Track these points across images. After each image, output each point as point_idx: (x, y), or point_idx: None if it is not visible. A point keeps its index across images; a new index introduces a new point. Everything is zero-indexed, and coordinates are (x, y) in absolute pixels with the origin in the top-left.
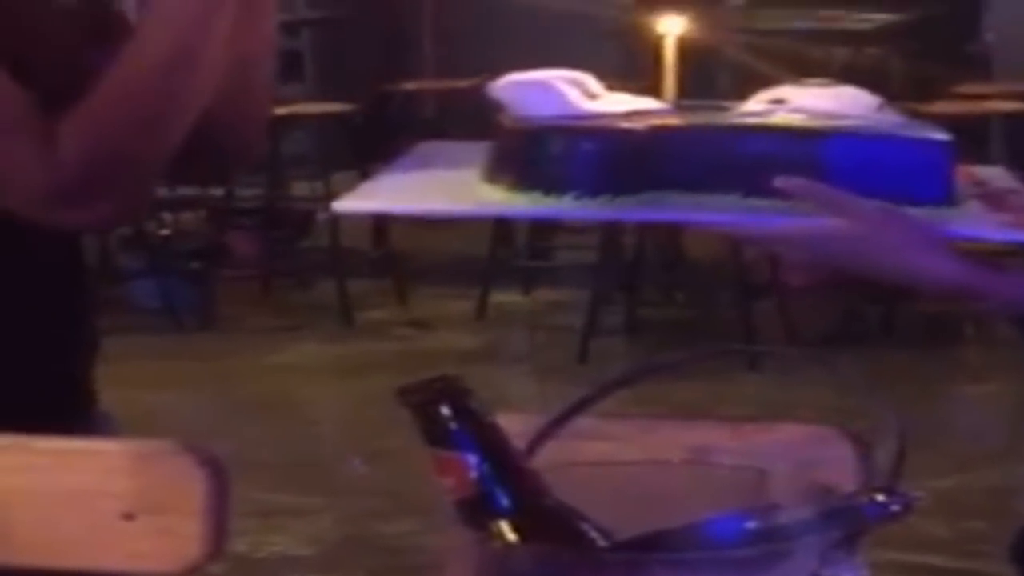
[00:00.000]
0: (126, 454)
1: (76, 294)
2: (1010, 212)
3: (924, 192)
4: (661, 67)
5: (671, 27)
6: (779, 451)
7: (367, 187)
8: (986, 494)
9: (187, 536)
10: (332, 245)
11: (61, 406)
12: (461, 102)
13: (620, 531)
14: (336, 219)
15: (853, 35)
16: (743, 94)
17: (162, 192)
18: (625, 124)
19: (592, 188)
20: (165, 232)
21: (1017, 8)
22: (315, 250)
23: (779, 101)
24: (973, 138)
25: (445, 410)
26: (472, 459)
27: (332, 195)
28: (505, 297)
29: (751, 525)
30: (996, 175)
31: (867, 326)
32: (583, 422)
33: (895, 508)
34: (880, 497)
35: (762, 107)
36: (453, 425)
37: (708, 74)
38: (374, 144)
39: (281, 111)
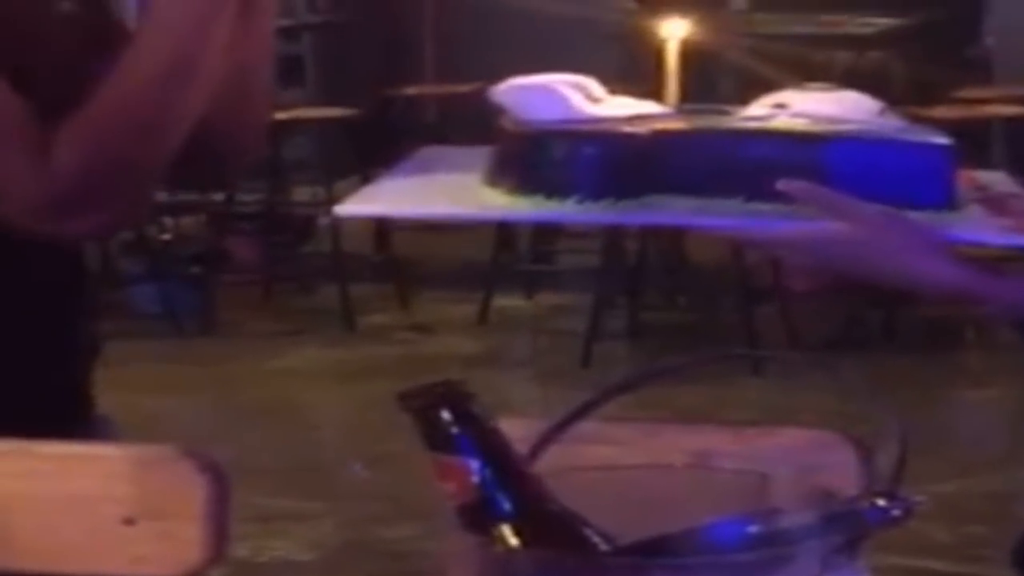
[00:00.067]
0: (127, 459)
1: (76, 300)
2: (1011, 216)
3: (925, 196)
4: (663, 71)
5: (673, 31)
6: (781, 455)
7: (369, 191)
8: (987, 499)
9: (188, 541)
10: (334, 249)
11: (61, 411)
12: (463, 106)
13: (622, 535)
14: (338, 223)
15: (855, 40)
16: (745, 98)
17: (163, 197)
18: (627, 128)
19: (594, 192)
20: (166, 237)
21: (1018, 12)
22: (317, 255)
23: (781, 105)
24: (974, 142)
25: (446, 415)
26: (474, 464)
27: (333, 200)
28: (507, 301)
29: (753, 529)
30: (997, 179)
31: (869, 330)
32: (585, 426)
33: (896, 513)
34: (881, 502)
35: (764, 111)
36: (455, 430)
37: (710, 78)
38: (375, 149)
39: (282, 116)
